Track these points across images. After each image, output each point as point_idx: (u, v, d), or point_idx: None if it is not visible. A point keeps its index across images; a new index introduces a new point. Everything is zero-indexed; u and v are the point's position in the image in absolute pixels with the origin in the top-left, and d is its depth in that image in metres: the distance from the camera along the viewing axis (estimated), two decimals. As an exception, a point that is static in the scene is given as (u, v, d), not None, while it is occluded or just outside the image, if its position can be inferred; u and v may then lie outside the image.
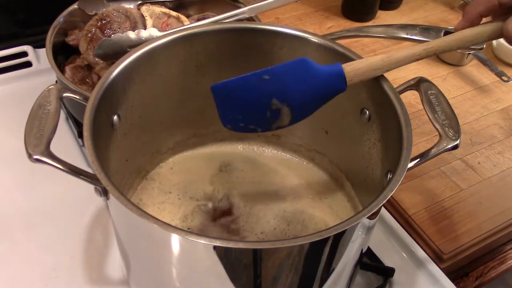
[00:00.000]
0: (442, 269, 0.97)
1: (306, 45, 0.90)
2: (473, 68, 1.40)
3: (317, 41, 0.89)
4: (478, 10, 0.78)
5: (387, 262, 0.97)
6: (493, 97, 1.32)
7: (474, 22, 0.79)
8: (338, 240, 0.70)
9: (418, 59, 0.80)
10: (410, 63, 0.80)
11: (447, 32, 1.02)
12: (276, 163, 1.04)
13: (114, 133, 0.84)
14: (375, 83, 0.82)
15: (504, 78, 1.34)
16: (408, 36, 1.03)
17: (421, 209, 1.06)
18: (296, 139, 1.03)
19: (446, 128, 0.78)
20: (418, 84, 0.85)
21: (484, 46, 1.03)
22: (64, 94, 0.78)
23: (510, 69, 1.40)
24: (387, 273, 0.95)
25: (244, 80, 0.79)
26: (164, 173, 1.00)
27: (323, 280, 0.76)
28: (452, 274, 1.00)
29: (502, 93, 1.33)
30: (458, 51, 1.34)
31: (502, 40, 1.39)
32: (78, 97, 0.80)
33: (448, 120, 0.79)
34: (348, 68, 0.79)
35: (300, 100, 0.79)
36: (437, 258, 1.00)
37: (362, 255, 0.82)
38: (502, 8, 0.77)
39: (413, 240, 1.01)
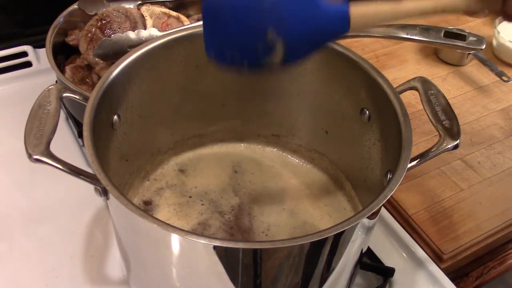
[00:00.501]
0: (442, 269, 0.97)
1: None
2: (473, 68, 1.40)
3: (317, 41, 0.89)
4: None
5: (387, 262, 0.97)
6: (493, 97, 1.32)
7: None
8: (338, 240, 0.70)
9: (427, 14, 0.74)
10: (419, 17, 0.76)
11: (447, 32, 1.02)
12: (280, 165, 1.04)
13: (114, 133, 0.84)
14: (375, 83, 0.82)
15: (504, 78, 1.33)
16: (408, 36, 1.03)
17: (421, 209, 1.06)
18: (296, 139, 1.03)
19: (446, 128, 0.78)
20: (418, 84, 0.85)
21: (484, 46, 1.04)
22: (64, 94, 0.78)
23: (510, 69, 1.40)
24: (387, 273, 0.95)
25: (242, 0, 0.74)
26: (169, 173, 1.00)
27: (323, 280, 0.76)
28: (452, 274, 1.00)
29: (502, 93, 1.33)
30: (458, 50, 1.34)
31: (502, 40, 1.39)
32: (78, 97, 0.80)
33: (448, 120, 0.79)
34: (354, 10, 0.73)
35: (297, 34, 0.73)
36: (437, 258, 1.00)
37: (362, 255, 0.82)
38: None
39: (413, 240, 1.01)
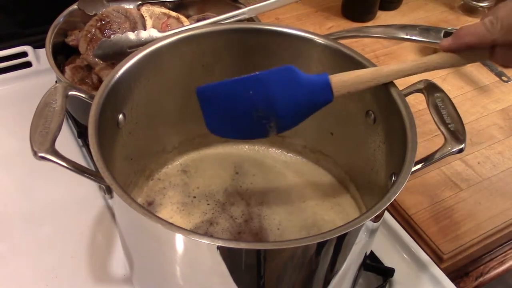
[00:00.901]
0: (442, 269, 0.97)
1: (311, 46, 0.90)
2: (473, 68, 1.40)
3: (322, 42, 0.90)
4: (468, 41, 0.77)
5: (387, 262, 0.98)
6: (493, 97, 1.32)
7: (460, 49, 0.79)
8: (341, 242, 0.70)
9: (408, 75, 0.80)
10: (400, 78, 0.80)
11: (447, 33, 1.02)
12: (283, 166, 1.04)
13: (119, 132, 0.84)
14: (381, 85, 0.82)
15: (504, 78, 1.34)
16: (408, 37, 1.03)
17: (421, 209, 1.06)
18: (301, 140, 1.03)
19: (452, 132, 0.78)
20: (424, 87, 0.85)
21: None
22: (70, 92, 0.78)
23: (510, 69, 1.40)
24: (387, 273, 0.95)
25: (229, 84, 0.79)
26: (173, 173, 1.00)
27: (327, 282, 0.76)
28: (452, 274, 1.00)
29: (502, 93, 1.33)
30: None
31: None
32: (83, 95, 0.80)
33: (453, 123, 0.79)
34: (335, 79, 0.79)
35: (286, 109, 0.79)
36: (437, 258, 1.00)
37: (365, 257, 0.82)
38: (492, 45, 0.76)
39: (413, 240, 1.01)
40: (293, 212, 0.96)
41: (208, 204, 0.96)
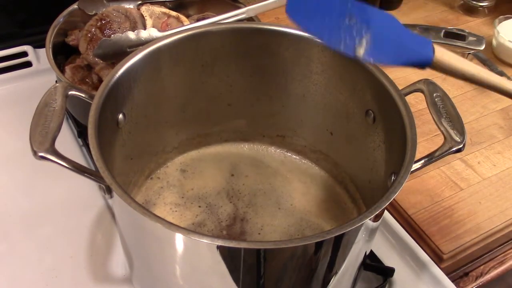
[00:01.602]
0: (442, 269, 0.97)
1: (311, 46, 0.90)
2: (473, 68, 1.40)
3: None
4: None
5: (387, 262, 0.98)
6: (493, 97, 1.32)
7: None
8: (340, 241, 0.70)
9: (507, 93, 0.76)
10: (496, 91, 0.76)
11: (447, 32, 1.02)
12: (282, 166, 1.04)
13: (119, 132, 0.84)
14: (380, 84, 0.82)
15: (504, 78, 1.33)
16: (408, 36, 1.03)
17: (421, 209, 1.06)
18: (301, 140, 1.02)
19: (451, 131, 0.78)
20: (424, 86, 0.84)
21: (483, 47, 1.04)
22: (70, 92, 0.78)
23: (510, 69, 1.40)
24: (387, 273, 0.95)
25: None
26: (172, 173, 1.00)
27: (326, 281, 0.76)
28: (452, 274, 1.00)
29: (502, 93, 1.33)
30: (458, 50, 1.34)
31: (502, 40, 1.39)
32: (83, 95, 0.80)
33: (453, 122, 0.79)
34: (440, 48, 0.72)
35: (380, 32, 0.70)
36: (437, 258, 1.00)
37: (365, 257, 0.82)
38: None
39: (413, 240, 1.01)
40: (278, 217, 0.95)
41: (199, 207, 0.96)
